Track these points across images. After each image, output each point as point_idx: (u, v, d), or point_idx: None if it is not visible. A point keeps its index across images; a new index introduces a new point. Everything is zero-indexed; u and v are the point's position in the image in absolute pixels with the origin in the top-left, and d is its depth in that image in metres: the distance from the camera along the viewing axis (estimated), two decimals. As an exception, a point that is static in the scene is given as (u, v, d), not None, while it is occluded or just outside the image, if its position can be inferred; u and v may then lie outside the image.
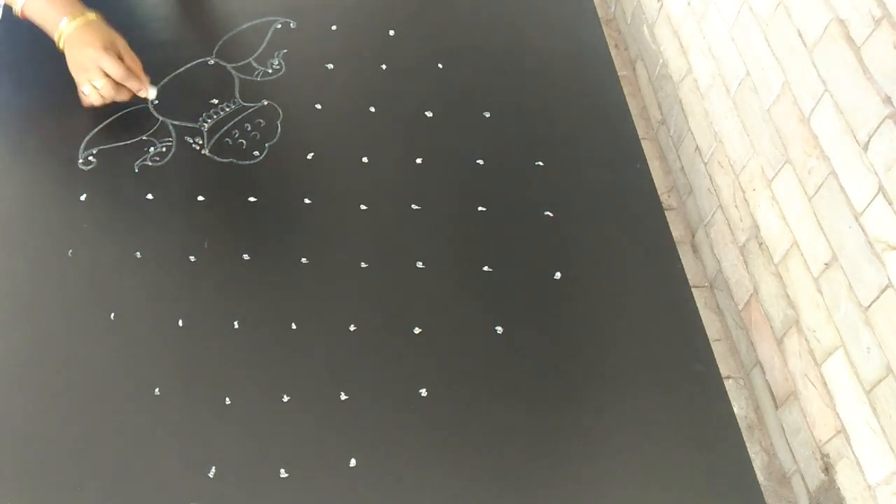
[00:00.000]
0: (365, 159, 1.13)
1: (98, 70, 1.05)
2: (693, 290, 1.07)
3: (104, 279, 0.99)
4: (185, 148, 1.11)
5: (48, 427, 0.88)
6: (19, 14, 1.08)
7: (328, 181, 1.11)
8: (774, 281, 1.35)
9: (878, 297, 1.08)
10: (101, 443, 0.87)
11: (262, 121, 1.15)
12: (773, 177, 1.32)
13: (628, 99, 1.27)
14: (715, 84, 1.50)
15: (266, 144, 1.13)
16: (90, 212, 1.05)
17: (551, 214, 1.10)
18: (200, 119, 1.14)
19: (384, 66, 1.24)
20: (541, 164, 1.15)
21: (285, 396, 0.92)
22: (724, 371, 1.36)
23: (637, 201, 1.13)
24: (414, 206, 1.09)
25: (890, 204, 1.04)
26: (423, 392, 0.94)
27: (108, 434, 0.88)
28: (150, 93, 1.12)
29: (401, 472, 0.89)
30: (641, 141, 1.20)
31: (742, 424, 1.37)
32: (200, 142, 1.12)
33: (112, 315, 0.96)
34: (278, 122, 1.15)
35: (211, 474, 0.86)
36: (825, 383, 1.22)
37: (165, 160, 1.10)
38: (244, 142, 1.13)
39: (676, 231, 1.59)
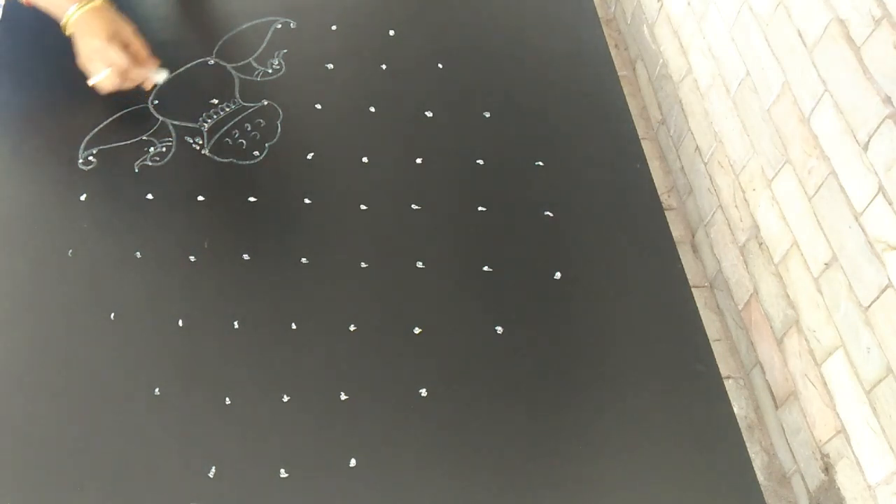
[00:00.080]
0: (365, 159, 1.13)
1: (104, 60, 1.05)
2: (693, 290, 1.07)
3: (104, 279, 0.99)
4: (185, 148, 1.11)
5: (48, 427, 0.88)
6: (24, 1, 1.08)
7: (328, 181, 1.11)
8: (774, 281, 1.35)
9: (878, 297, 1.08)
10: (101, 443, 0.87)
11: (262, 121, 1.15)
12: (773, 177, 1.32)
13: (628, 99, 1.27)
14: (715, 84, 1.50)
15: (266, 144, 1.13)
16: (90, 212, 1.05)
17: (551, 214, 1.10)
18: (200, 119, 1.14)
19: (384, 66, 1.24)
20: (541, 164, 1.15)
21: (285, 396, 0.92)
22: (724, 371, 1.36)
23: (637, 201, 1.13)
24: (414, 206, 1.09)
25: (890, 204, 1.04)
26: (423, 392, 0.94)
27: (108, 434, 0.88)
28: (160, 76, 1.12)
29: (401, 472, 0.89)
30: (641, 141, 1.20)
31: (742, 424, 1.37)
32: (200, 142, 1.12)
33: (112, 315, 0.96)
34: (278, 122, 1.15)
35: (211, 474, 0.86)
36: (825, 383, 1.22)
37: (165, 160, 1.10)
38: (244, 142, 1.13)
39: (676, 231, 1.59)
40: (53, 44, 1.20)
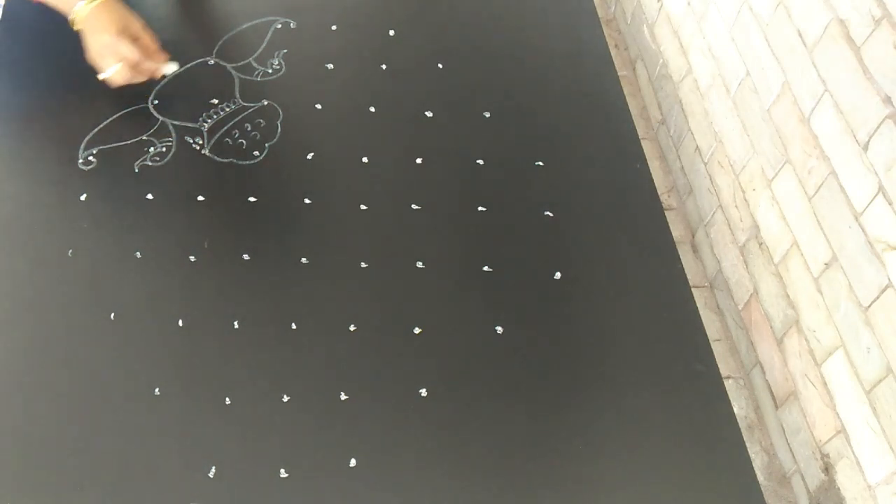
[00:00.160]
0: (365, 159, 1.13)
1: (114, 55, 1.06)
2: (693, 290, 1.07)
3: (104, 279, 0.99)
4: (185, 148, 1.11)
5: (48, 427, 0.88)
6: None
7: (328, 181, 1.11)
8: (774, 281, 1.35)
9: (878, 297, 1.08)
10: (101, 443, 0.87)
11: (262, 121, 1.15)
12: (773, 177, 1.32)
13: (628, 99, 1.27)
14: (715, 84, 1.50)
15: (266, 144, 1.13)
16: (90, 212, 1.05)
17: (551, 214, 1.10)
18: (200, 119, 1.14)
19: (384, 66, 1.24)
20: (541, 164, 1.15)
21: (285, 396, 0.92)
22: (724, 371, 1.36)
23: (637, 201, 1.13)
24: (414, 206, 1.09)
25: (890, 204, 1.04)
26: (423, 392, 0.94)
27: (108, 434, 0.88)
28: (169, 68, 1.13)
29: (401, 472, 0.89)
30: (641, 141, 1.20)
31: (742, 424, 1.37)
32: (200, 142, 1.12)
33: (112, 315, 0.96)
34: (278, 122, 1.15)
35: (211, 474, 0.86)
36: (825, 383, 1.22)
37: (165, 160, 1.10)
38: (244, 142, 1.13)
39: (676, 231, 1.59)
40: (53, 44, 1.20)
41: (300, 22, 1.28)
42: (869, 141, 1.07)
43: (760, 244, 1.38)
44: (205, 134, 1.13)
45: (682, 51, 1.63)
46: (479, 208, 1.10)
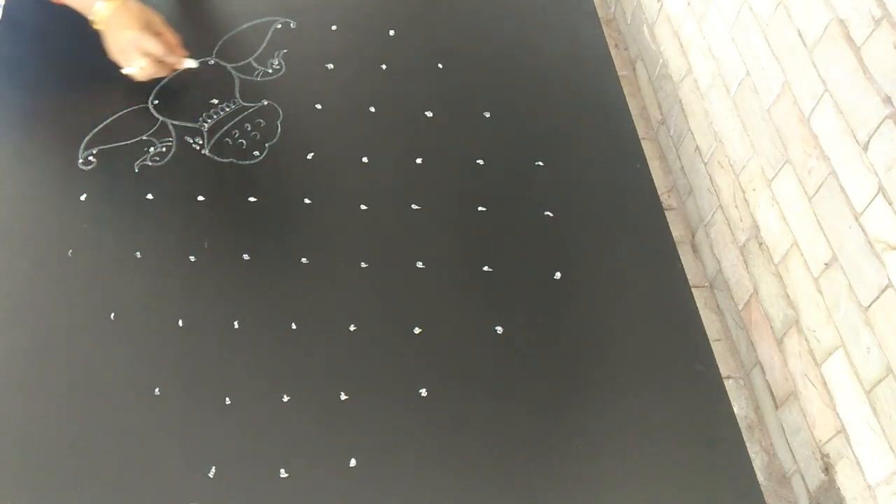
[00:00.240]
0: (365, 159, 1.13)
1: (139, 50, 1.07)
2: (693, 290, 1.07)
3: (104, 279, 0.99)
4: (185, 148, 1.11)
5: (48, 427, 0.88)
6: None
7: (328, 181, 1.11)
8: (774, 281, 1.35)
9: (878, 297, 1.08)
10: (101, 443, 0.87)
11: (262, 121, 1.15)
12: (773, 177, 1.32)
13: (628, 99, 1.27)
14: (715, 84, 1.50)
15: (266, 144, 1.13)
16: (90, 212, 1.05)
17: (551, 214, 1.10)
18: (200, 119, 1.14)
19: (384, 66, 1.24)
20: (541, 164, 1.15)
21: (285, 396, 0.92)
22: (724, 371, 1.36)
23: (637, 201, 1.13)
24: (414, 206, 1.09)
25: (890, 204, 1.04)
26: (423, 392, 0.94)
27: (108, 434, 0.88)
28: (189, 64, 1.14)
29: (401, 472, 0.89)
30: (641, 141, 1.20)
31: (742, 424, 1.37)
32: (200, 142, 1.12)
33: (112, 315, 0.96)
34: (278, 122, 1.15)
35: (211, 474, 0.86)
36: (825, 383, 1.22)
37: (165, 160, 1.10)
38: (244, 142, 1.13)
39: (676, 231, 1.59)
40: (53, 44, 1.20)
41: (300, 22, 1.28)
42: (869, 141, 1.07)
43: (760, 244, 1.38)
44: (205, 134, 1.13)
45: (682, 51, 1.63)
46: (479, 208, 1.10)
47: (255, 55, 1.23)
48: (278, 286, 1.01)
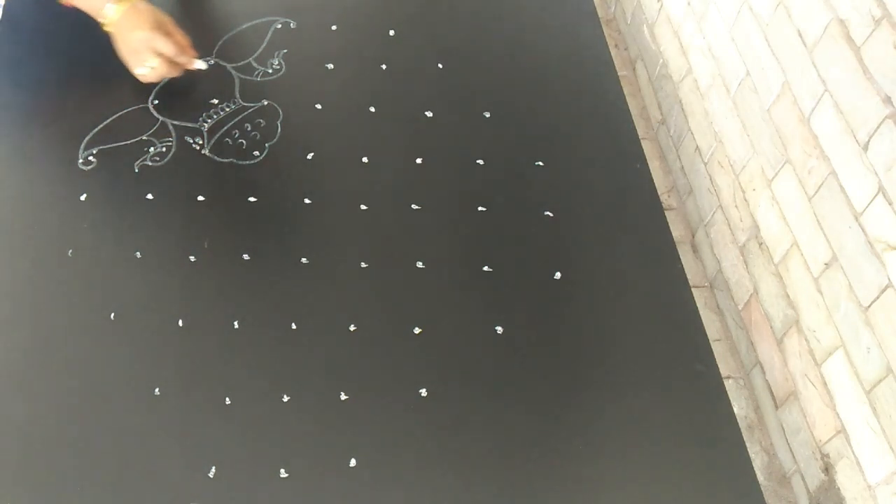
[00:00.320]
0: (365, 159, 1.13)
1: (151, 51, 1.08)
2: (693, 290, 1.07)
3: (104, 279, 0.99)
4: (185, 148, 1.11)
5: (48, 427, 0.88)
6: (64, 1, 1.10)
7: (328, 181, 1.11)
8: (774, 281, 1.35)
9: (878, 297, 1.08)
10: (101, 443, 0.87)
11: (262, 121, 1.15)
12: (773, 177, 1.32)
13: (628, 99, 1.27)
14: (715, 84, 1.50)
15: (266, 144, 1.13)
16: (90, 212, 1.05)
17: (551, 214, 1.10)
18: (200, 119, 1.14)
19: (384, 66, 1.24)
20: (541, 164, 1.15)
21: (285, 396, 0.92)
22: (724, 371, 1.36)
23: (637, 201, 1.13)
24: (414, 206, 1.09)
25: (890, 204, 1.04)
26: (423, 392, 0.94)
27: (108, 434, 0.88)
28: (200, 65, 1.14)
29: (401, 472, 0.89)
30: (641, 141, 1.20)
31: (742, 424, 1.37)
32: (200, 142, 1.12)
33: (112, 315, 0.96)
34: (278, 122, 1.15)
35: (211, 474, 0.86)
36: (825, 383, 1.22)
37: (165, 160, 1.10)
38: (244, 142, 1.13)
39: (676, 231, 1.59)
40: (53, 44, 1.20)
41: (300, 22, 1.28)
42: (869, 141, 1.07)
43: (760, 244, 1.38)
44: (205, 134, 1.13)
45: (682, 51, 1.63)
46: (479, 208, 1.10)
47: (255, 55, 1.23)
48: (278, 286, 1.01)
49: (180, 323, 0.96)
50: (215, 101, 1.16)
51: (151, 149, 1.11)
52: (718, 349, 1.50)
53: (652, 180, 1.16)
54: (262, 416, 0.90)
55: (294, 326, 0.97)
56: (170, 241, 1.03)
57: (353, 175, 1.12)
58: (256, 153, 1.12)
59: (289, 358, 0.95)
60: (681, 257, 1.09)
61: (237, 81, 1.19)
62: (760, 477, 1.36)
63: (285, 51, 1.24)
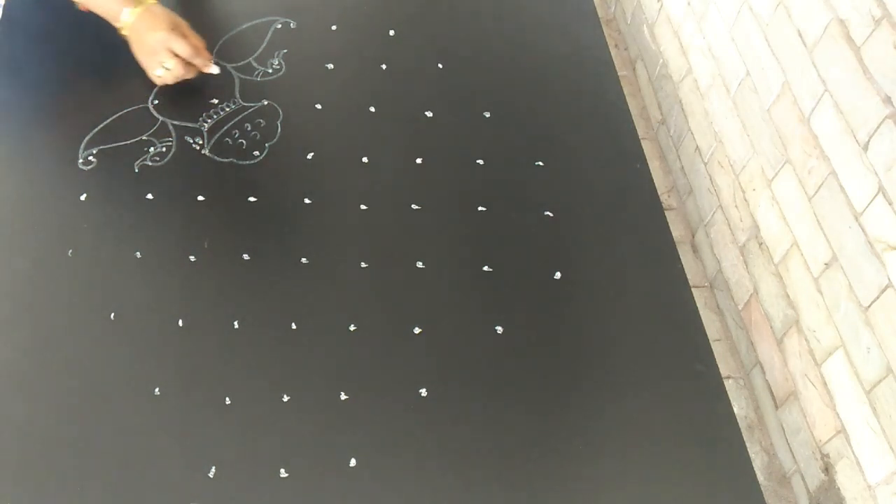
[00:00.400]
0: (365, 159, 1.13)
1: (167, 51, 1.09)
2: (693, 290, 1.07)
3: (104, 279, 0.99)
4: (185, 148, 1.11)
5: (48, 427, 0.88)
6: (80, 6, 1.11)
7: (328, 181, 1.11)
8: (774, 281, 1.35)
9: (878, 297, 1.08)
10: (101, 443, 0.87)
11: (262, 121, 1.15)
12: (773, 177, 1.32)
13: (628, 99, 1.27)
14: (715, 84, 1.50)
15: (266, 144, 1.13)
16: (90, 212, 1.05)
17: (551, 214, 1.10)
18: (200, 119, 1.14)
19: (384, 66, 1.24)
20: (541, 164, 1.15)
21: (285, 396, 0.92)
22: (724, 371, 1.36)
23: (637, 201, 1.13)
24: (414, 206, 1.09)
25: (890, 204, 1.04)
26: (423, 392, 0.94)
27: (108, 434, 0.88)
28: (213, 69, 1.15)
29: (401, 472, 0.89)
30: (641, 141, 1.20)
31: (742, 424, 1.37)
32: (200, 142, 1.12)
33: (112, 315, 0.96)
34: (278, 122, 1.15)
35: (211, 474, 0.86)
36: (825, 383, 1.22)
37: (165, 160, 1.10)
38: (244, 142, 1.13)
39: (676, 231, 1.59)
40: (53, 44, 1.20)
41: (300, 22, 1.28)
42: (869, 141, 1.07)
43: (760, 244, 1.38)
44: (205, 134, 1.13)
45: (682, 51, 1.63)
46: (479, 208, 1.10)
47: (255, 55, 1.23)
48: (278, 286, 1.01)
49: (180, 323, 0.96)
50: (215, 101, 1.16)
51: (151, 149, 1.11)
52: (718, 349, 1.50)
53: (652, 180, 1.16)
54: (262, 416, 0.90)
55: (294, 326, 0.97)
56: (170, 241, 1.03)
57: (353, 175, 1.12)
58: (256, 153, 1.12)
59: (289, 358, 0.95)
60: (681, 257, 1.09)
61: (237, 81, 1.19)
62: (760, 477, 1.36)
63: (285, 51, 1.24)
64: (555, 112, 1.22)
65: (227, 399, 0.91)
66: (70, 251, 1.01)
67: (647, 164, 1.17)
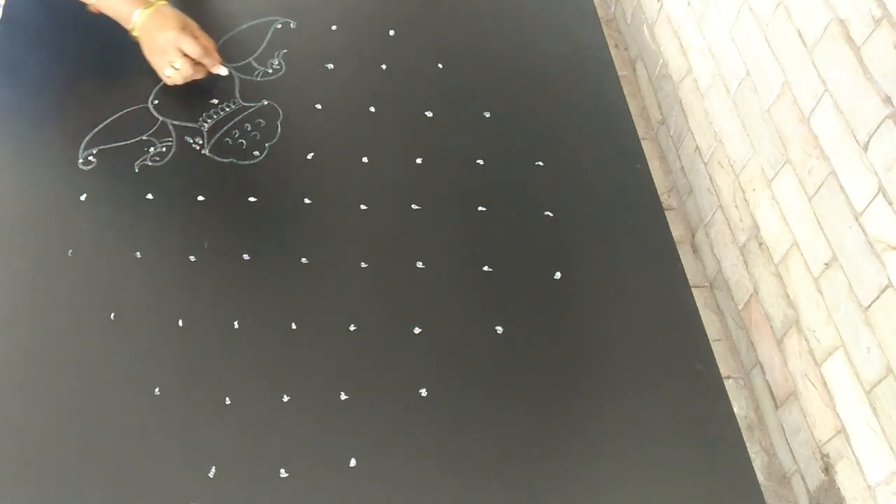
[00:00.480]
0: (365, 159, 1.13)
1: (177, 51, 1.09)
2: (693, 290, 1.07)
3: (104, 279, 0.99)
4: (185, 148, 1.11)
5: (48, 427, 0.88)
6: (92, 8, 1.11)
7: (328, 181, 1.11)
8: (774, 281, 1.35)
9: (878, 297, 1.08)
10: (101, 443, 0.87)
11: (262, 121, 1.15)
12: (773, 177, 1.32)
13: (628, 99, 1.27)
14: (715, 84, 1.50)
15: (266, 144, 1.13)
16: (90, 212, 1.05)
17: (551, 214, 1.10)
18: (200, 119, 1.14)
19: (384, 66, 1.24)
20: (541, 164, 1.15)
21: (285, 396, 0.92)
22: (724, 371, 1.36)
23: (637, 201, 1.13)
24: (414, 206, 1.09)
25: (890, 204, 1.04)
26: (423, 392, 0.94)
27: (108, 434, 0.88)
28: (222, 70, 1.16)
29: (401, 472, 0.89)
30: (641, 141, 1.20)
31: (742, 424, 1.37)
32: (200, 142, 1.12)
33: (112, 315, 0.96)
34: (278, 122, 1.15)
35: (211, 474, 0.86)
36: (825, 383, 1.22)
37: (165, 160, 1.10)
38: (244, 142, 1.13)
39: (676, 231, 1.59)
40: (53, 44, 1.20)
41: (300, 22, 1.28)
42: (869, 141, 1.07)
43: (760, 244, 1.38)
44: (205, 134, 1.13)
45: (682, 51, 1.63)
46: (479, 208, 1.10)
47: (255, 55, 1.23)
48: (278, 286, 1.01)
49: (180, 323, 0.96)
50: (215, 101, 1.16)
51: (151, 149, 1.11)
52: (718, 349, 1.50)
53: (652, 180, 1.16)
54: (262, 416, 0.90)
55: (294, 326, 0.97)
56: (170, 241, 1.03)
57: (353, 175, 1.12)
58: (256, 153, 1.12)
59: (289, 358, 0.95)
60: (681, 257, 1.09)
61: (237, 81, 1.19)
62: (760, 477, 1.36)
63: (285, 51, 1.24)
64: (555, 112, 1.22)
65: (227, 399, 0.91)
66: (70, 251, 1.01)
67: (647, 164, 1.17)
